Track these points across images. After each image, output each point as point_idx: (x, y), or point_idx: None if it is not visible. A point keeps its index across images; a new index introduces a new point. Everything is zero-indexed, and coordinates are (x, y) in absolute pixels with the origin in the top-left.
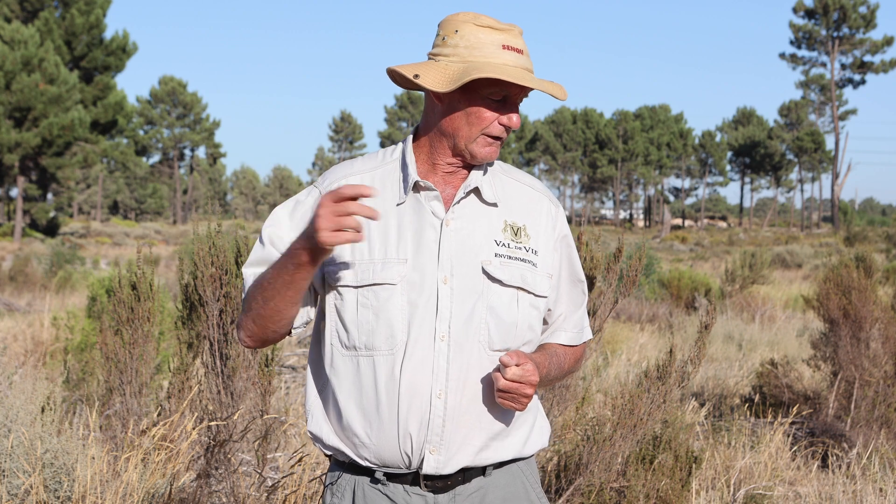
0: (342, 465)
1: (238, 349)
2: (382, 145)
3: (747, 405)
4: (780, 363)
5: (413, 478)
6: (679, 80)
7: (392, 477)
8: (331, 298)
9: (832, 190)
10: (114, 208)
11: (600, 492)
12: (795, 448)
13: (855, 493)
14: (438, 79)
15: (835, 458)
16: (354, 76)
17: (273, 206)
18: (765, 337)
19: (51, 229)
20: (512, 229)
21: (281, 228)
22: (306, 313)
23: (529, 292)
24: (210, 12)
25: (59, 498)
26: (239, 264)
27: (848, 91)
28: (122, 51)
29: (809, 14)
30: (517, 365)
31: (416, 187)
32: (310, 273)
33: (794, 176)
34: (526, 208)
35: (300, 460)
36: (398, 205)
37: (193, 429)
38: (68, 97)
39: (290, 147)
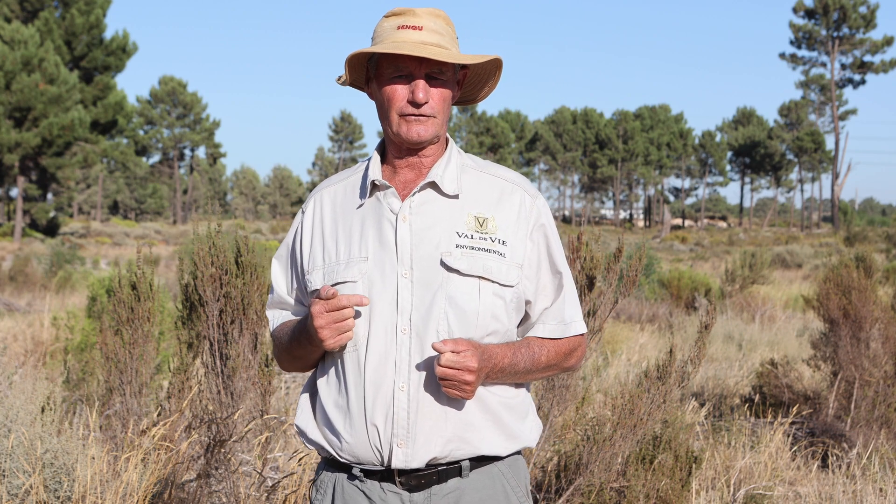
0: (325, 461)
1: (238, 349)
2: None
3: (747, 405)
4: (780, 363)
5: (387, 474)
6: (679, 80)
7: (368, 473)
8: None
9: (832, 190)
10: (114, 208)
11: (600, 492)
12: (795, 448)
13: (855, 493)
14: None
15: (835, 458)
16: None
17: (273, 206)
18: (765, 337)
19: (51, 229)
20: (477, 220)
21: (279, 280)
22: None
23: (493, 281)
24: (210, 12)
25: (59, 498)
26: (239, 264)
27: (848, 91)
28: (122, 51)
29: (809, 14)
30: (452, 351)
31: (376, 187)
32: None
33: (794, 176)
34: (495, 200)
35: (300, 460)
36: (358, 207)
37: (193, 429)
38: (68, 97)
39: (290, 147)
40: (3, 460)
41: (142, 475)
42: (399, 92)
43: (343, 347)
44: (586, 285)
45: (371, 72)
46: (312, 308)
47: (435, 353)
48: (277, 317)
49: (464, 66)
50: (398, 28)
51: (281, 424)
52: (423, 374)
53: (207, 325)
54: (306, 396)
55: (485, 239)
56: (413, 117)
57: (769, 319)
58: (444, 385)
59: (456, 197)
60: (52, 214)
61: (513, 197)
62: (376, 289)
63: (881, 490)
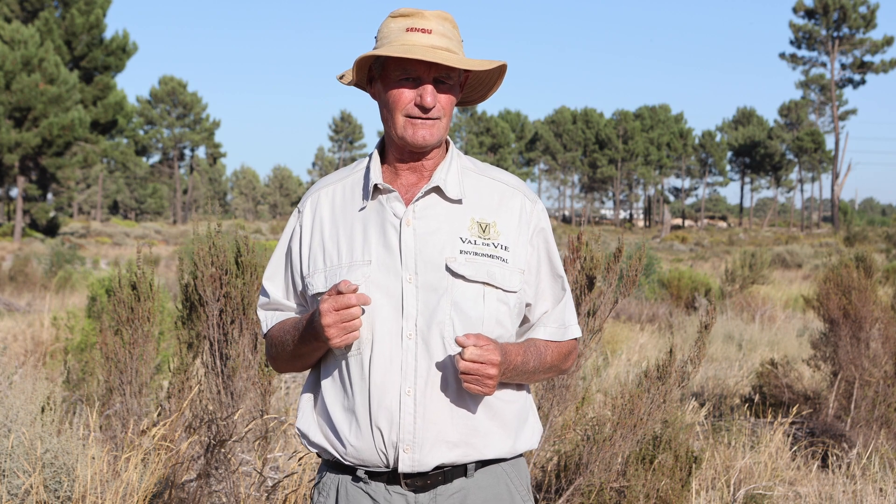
0: (328, 463)
1: (238, 349)
2: None
3: (747, 405)
4: (780, 363)
5: (393, 476)
6: (679, 80)
7: (373, 475)
8: (313, 307)
9: (832, 190)
10: (114, 208)
11: (600, 492)
12: (795, 448)
13: (855, 493)
14: (350, 74)
15: (835, 458)
16: None
17: (273, 206)
18: (765, 337)
19: (51, 229)
20: (479, 226)
21: (276, 281)
22: None
23: (497, 287)
24: (210, 12)
25: (59, 498)
26: (239, 264)
27: (848, 91)
28: (122, 51)
29: (809, 14)
30: (475, 346)
31: (378, 190)
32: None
33: (794, 176)
34: (497, 204)
35: (300, 460)
36: (361, 210)
37: (193, 429)
38: (68, 97)
39: (290, 147)
40: (3, 460)
41: (142, 475)
42: (406, 95)
43: (347, 349)
44: (586, 285)
45: (376, 72)
46: (322, 305)
47: (441, 359)
48: (271, 317)
49: (467, 70)
50: (407, 30)
51: (281, 424)
52: (430, 378)
53: (207, 325)
54: (308, 399)
55: (488, 245)
56: (420, 121)
57: (769, 319)
58: (465, 380)
59: (459, 202)
60: (52, 214)
61: (513, 201)
62: (380, 293)
63: (881, 490)
